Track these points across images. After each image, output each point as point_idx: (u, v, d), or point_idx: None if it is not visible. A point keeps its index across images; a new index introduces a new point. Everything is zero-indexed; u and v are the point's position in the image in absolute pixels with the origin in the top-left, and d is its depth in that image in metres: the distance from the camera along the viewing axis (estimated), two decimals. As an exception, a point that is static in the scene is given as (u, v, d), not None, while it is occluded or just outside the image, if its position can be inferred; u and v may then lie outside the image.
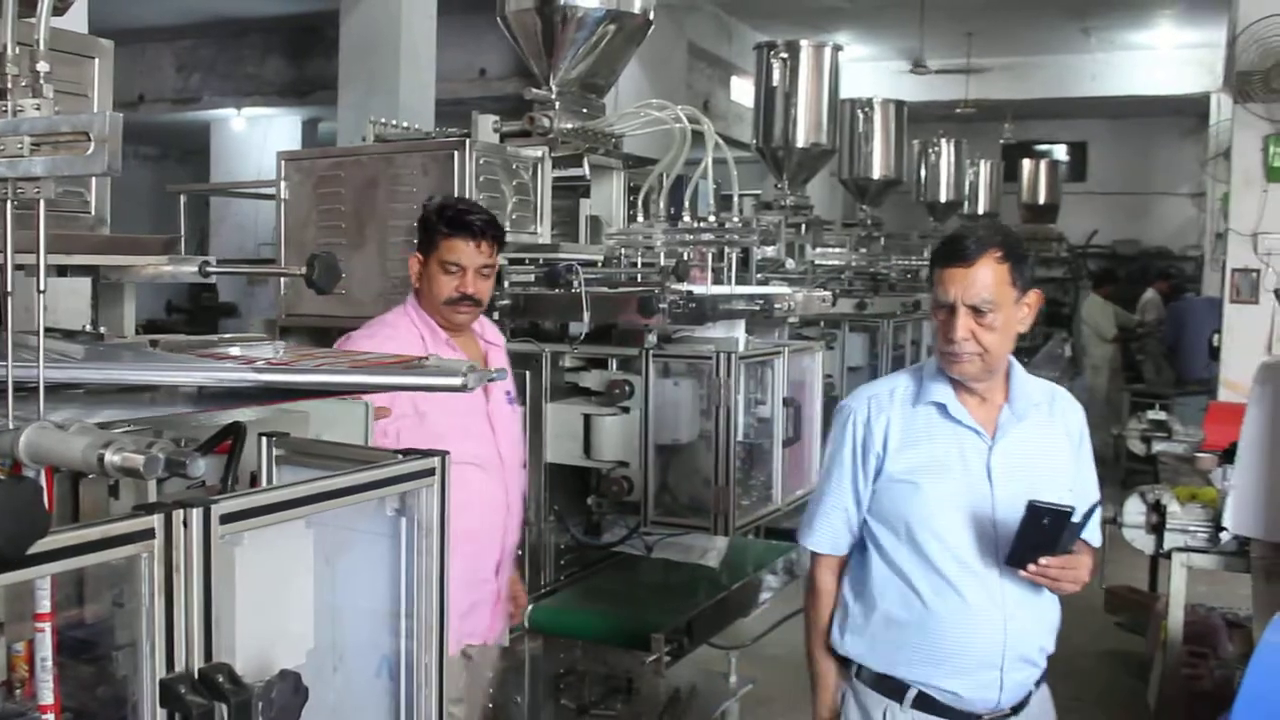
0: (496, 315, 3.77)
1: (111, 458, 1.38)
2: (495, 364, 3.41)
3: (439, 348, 3.24)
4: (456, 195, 3.79)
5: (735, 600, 4.22)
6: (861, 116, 9.85)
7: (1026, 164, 16.40)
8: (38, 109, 1.49)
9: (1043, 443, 2.77)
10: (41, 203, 1.50)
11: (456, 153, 3.84)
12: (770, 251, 6.87)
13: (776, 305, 4.48)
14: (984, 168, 13.76)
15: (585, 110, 4.49)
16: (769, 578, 4.47)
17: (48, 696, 1.53)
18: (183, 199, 4.90)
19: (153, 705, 1.47)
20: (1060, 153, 18.77)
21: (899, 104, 10.12)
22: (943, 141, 12.31)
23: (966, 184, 12.88)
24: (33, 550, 1.28)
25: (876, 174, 9.79)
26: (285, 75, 12.85)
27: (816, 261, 7.59)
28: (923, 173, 12.21)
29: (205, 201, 13.68)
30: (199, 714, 1.46)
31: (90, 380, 1.78)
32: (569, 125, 4.31)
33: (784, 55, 8.01)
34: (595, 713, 4.17)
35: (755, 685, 4.67)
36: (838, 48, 8.38)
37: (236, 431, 1.93)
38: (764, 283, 5.84)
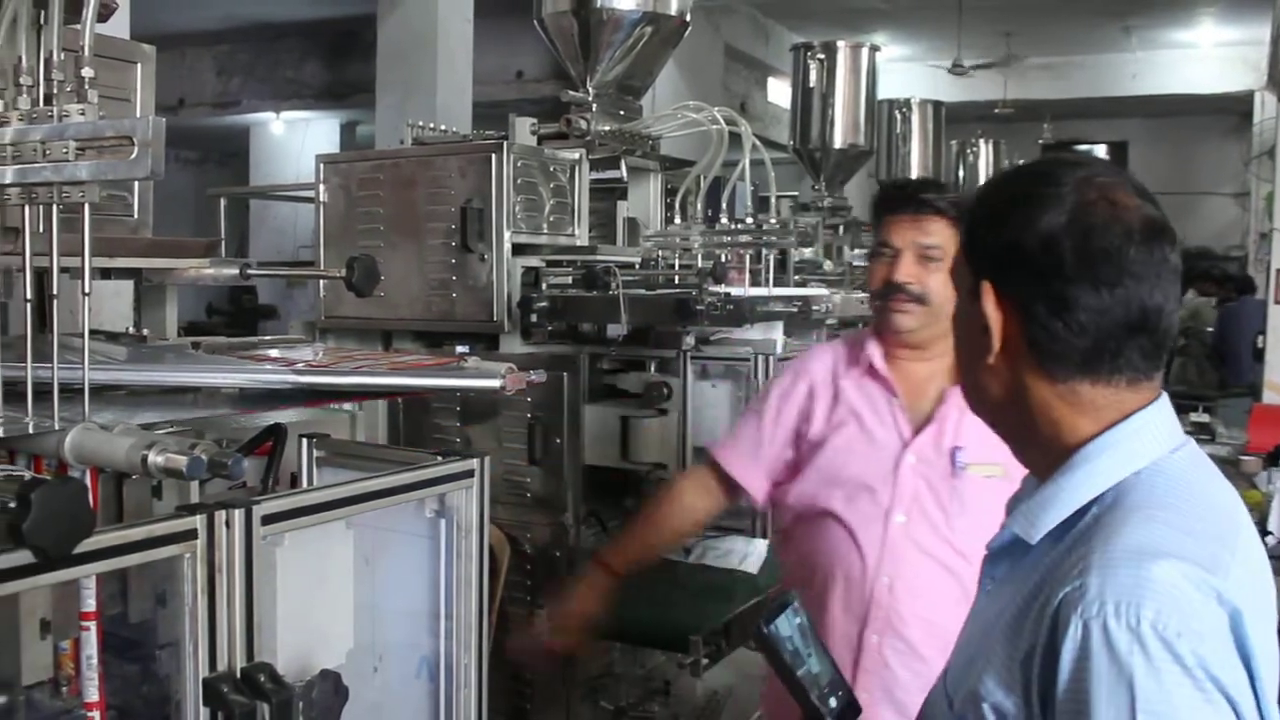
0: (535, 318, 3.77)
1: (155, 459, 1.39)
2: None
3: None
4: (495, 197, 3.80)
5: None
6: (899, 117, 9.81)
7: (1067, 163, 16.25)
8: (83, 114, 1.50)
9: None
10: (86, 206, 1.51)
11: (494, 155, 3.84)
12: (808, 253, 6.86)
13: (814, 307, 4.47)
14: (1023, 168, 13.65)
15: (622, 112, 4.49)
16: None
17: (93, 694, 1.55)
18: (223, 202, 4.95)
19: (196, 704, 1.48)
20: (1100, 152, 18.61)
21: (937, 104, 10.07)
22: (981, 142, 12.24)
23: (1006, 184, 12.78)
24: (78, 550, 1.29)
25: (914, 175, 9.72)
26: (323, 79, 12.94)
27: (854, 263, 7.56)
28: (961, 173, 12.14)
29: (245, 204, 13.79)
30: (241, 713, 1.47)
31: (134, 382, 1.80)
32: (606, 127, 4.31)
33: (821, 56, 8.00)
34: (632, 715, 4.17)
35: (793, 688, 4.65)
36: (875, 48, 8.36)
37: (277, 433, 1.94)
38: (802, 284, 5.82)
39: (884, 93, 8.79)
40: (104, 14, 1.67)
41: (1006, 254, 1.32)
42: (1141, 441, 1.31)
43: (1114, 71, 15.23)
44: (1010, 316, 1.33)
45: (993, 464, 2.40)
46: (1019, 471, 2.42)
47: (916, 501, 2.46)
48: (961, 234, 1.43)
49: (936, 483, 2.45)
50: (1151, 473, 1.29)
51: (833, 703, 1.66)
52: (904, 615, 2.45)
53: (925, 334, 2.50)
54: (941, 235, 2.44)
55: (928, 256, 2.45)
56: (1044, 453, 1.37)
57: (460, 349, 3.83)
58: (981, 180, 12.01)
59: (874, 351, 2.56)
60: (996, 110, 14.81)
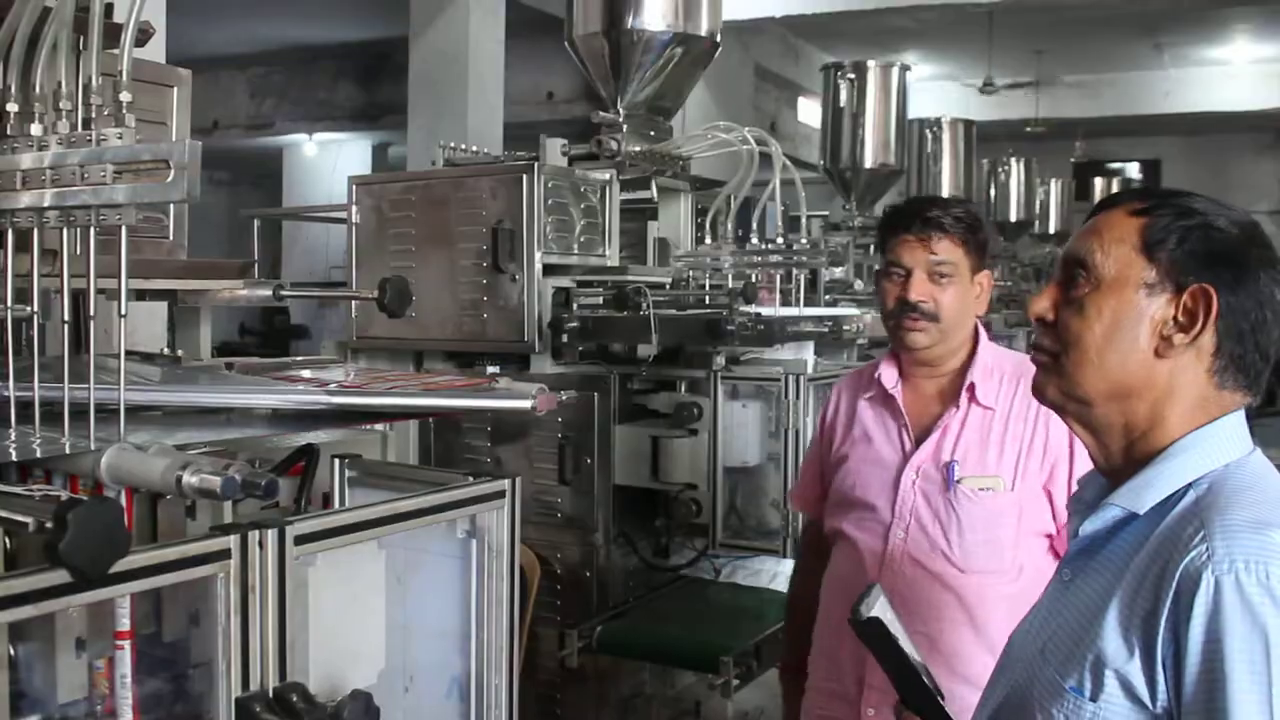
0: (565, 338, 3.78)
1: (189, 479, 1.40)
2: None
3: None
4: (526, 218, 3.82)
5: (804, 624, 4.18)
6: (930, 136, 9.78)
7: (1098, 183, 16.18)
8: (120, 138, 1.52)
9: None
10: (124, 229, 1.53)
11: (525, 176, 3.86)
12: (838, 273, 6.85)
13: (845, 327, 4.46)
14: (1054, 187, 13.58)
15: (653, 133, 4.50)
16: (838, 601, 4.43)
17: (127, 713, 1.56)
18: (256, 223, 4.99)
19: (229, 724, 1.49)
20: (1133, 170, 18.53)
21: (968, 123, 10.05)
22: (1012, 161, 12.18)
23: (1037, 203, 12.73)
24: (113, 570, 1.30)
25: (946, 194, 9.69)
26: (356, 100, 13.04)
27: (885, 282, 7.52)
28: (992, 192, 12.08)
29: (277, 225, 13.89)
30: (274, 733, 1.48)
31: (169, 403, 1.81)
32: (637, 148, 4.32)
33: (851, 76, 8.01)
34: (663, 735, 4.16)
35: (824, 710, 4.63)
36: (905, 68, 8.35)
37: (310, 454, 1.95)
38: (832, 304, 5.81)
39: (914, 112, 8.78)
40: (141, 39, 1.69)
41: (1234, 274, 1.42)
42: (1231, 440, 1.45)
43: (1147, 89, 15.17)
44: (1210, 324, 1.42)
45: (989, 476, 2.43)
46: (1024, 485, 2.41)
47: (914, 516, 2.47)
48: (1148, 227, 1.46)
49: (934, 497, 2.46)
50: (1237, 466, 1.43)
51: (932, 682, 1.66)
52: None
53: (938, 350, 2.52)
54: (950, 252, 2.47)
55: (939, 273, 2.47)
56: (1135, 442, 1.48)
57: (491, 369, 3.85)
58: (1013, 199, 11.98)
59: (885, 372, 2.59)
60: (1028, 129, 14.76)
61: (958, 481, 2.44)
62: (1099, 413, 1.49)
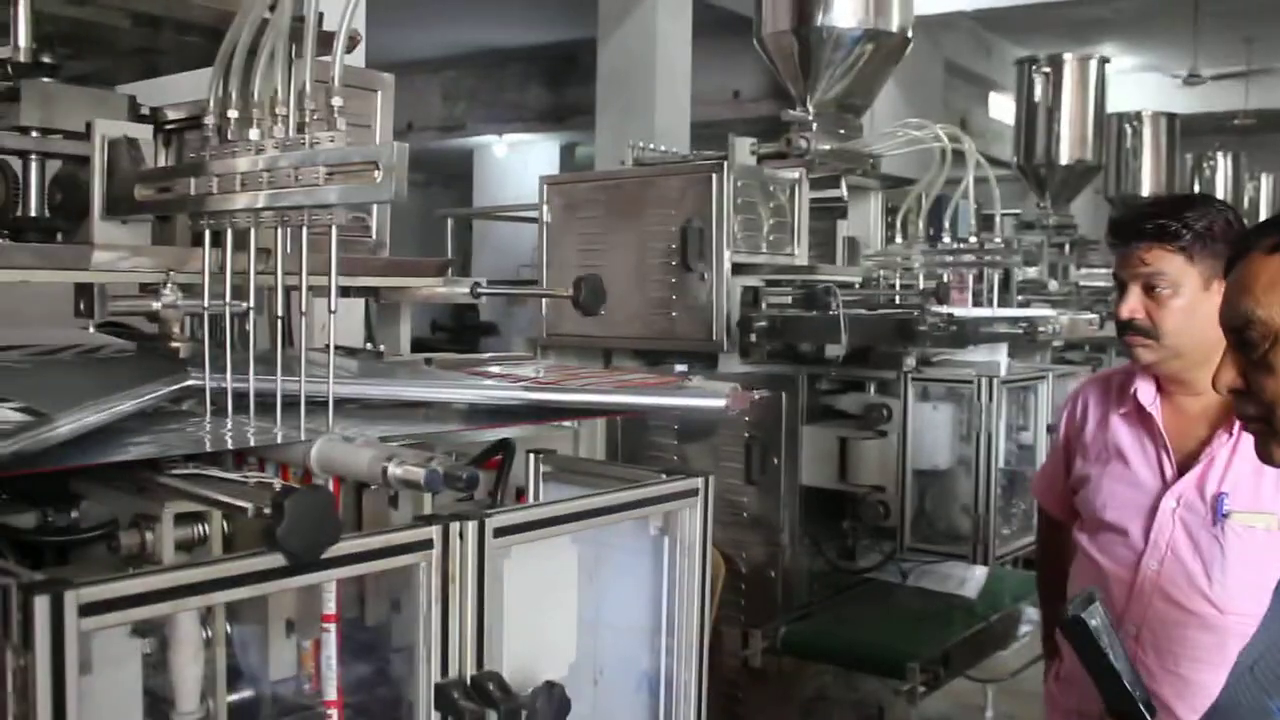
0: (754, 337, 3.77)
1: (394, 470, 1.44)
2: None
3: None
4: (715, 217, 3.82)
5: (994, 632, 4.08)
6: (1130, 131, 9.44)
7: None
8: (332, 141, 1.58)
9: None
10: (334, 228, 1.59)
11: (714, 175, 3.87)
12: (1032, 272, 6.67)
13: (1040, 329, 4.33)
14: (1265, 182, 12.94)
15: (842, 131, 4.46)
16: (1029, 610, 4.31)
17: (332, 693, 1.62)
18: (449, 222, 5.12)
19: (428, 708, 1.52)
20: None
21: (1170, 116, 9.65)
22: (1219, 155, 11.66)
23: (1246, 200, 12.15)
24: (324, 556, 1.35)
25: (1146, 191, 9.32)
26: (545, 102, 13.27)
27: (1081, 283, 7.30)
28: (1197, 189, 11.59)
29: (468, 225, 14.22)
30: (471, 720, 1.51)
31: (374, 396, 1.87)
32: (826, 146, 4.29)
33: (1046, 69, 7.80)
34: (845, 740, 4.12)
35: (1013, 721, 4.52)
36: (1104, 60, 8.10)
37: (506, 447, 1.99)
38: (1025, 305, 5.66)
39: (1113, 105, 8.47)
40: (350, 46, 1.76)
41: None
42: None
43: (1367, 78, 14.31)
44: None
45: (1263, 514, 2.24)
46: None
47: (1172, 549, 2.31)
48: None
49: (1196, 530, 2.29)
50: None
51: (1140, 693, 1.61)
52: (1152, 670, 2.28)
53: (1174, 366, 2.34)
54: (1165, 263, 2.27)
55: (1152, 286, 2.29)
56: None
57: (679, 368, 3.87)
58: (1219, 197, 11.43)
59: (1142, 388, 2.41)
60: (1236, 121, 14.06)
61: (1226, 515, 2.26)
62: None
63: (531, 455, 2.04)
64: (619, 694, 2.01)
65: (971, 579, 4.29)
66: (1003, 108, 12.88)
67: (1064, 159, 7.68)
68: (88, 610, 1.19)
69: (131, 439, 1.53)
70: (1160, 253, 2.28)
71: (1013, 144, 8.15)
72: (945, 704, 4.32)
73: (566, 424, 2.32)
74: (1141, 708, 1.59)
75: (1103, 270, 7.83)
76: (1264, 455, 1.46)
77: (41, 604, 1.15)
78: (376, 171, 1.49)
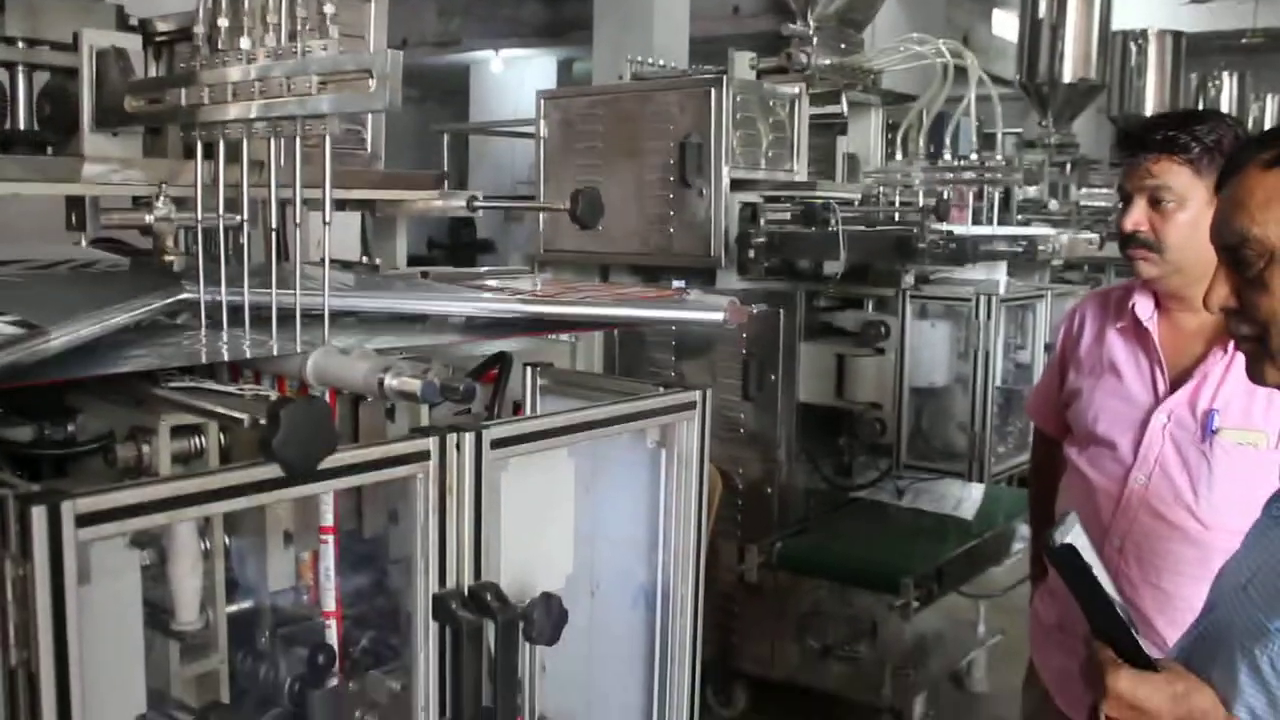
0: (752, 253, 3.75)
1: (391, 382, 1.44)
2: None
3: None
4: (714, 132, 3.78)
5: (987, 549, 4.12)
6: (1134, 49, 9.33)
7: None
8: (324, 49, 1.55)
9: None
10: (327, 139, 1.57)
11: (713, 90, 3.82)
12: (1033, 192, 6.63)
13: (1040, 247, 4.31)
14: (1271, 103, 12.80)
15: (843, 46, 4.40)
16: (1022, 527, 4.34)
17: (330, 604, 1.63)
18: (445, 138, 5.08)
19: (425, 618, 1.54)
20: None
21: (1176, 35, 9.54)
22: (1225, 75, 11.51)
23: (1251, 120, 12.03)
24: (320, 467, 1.35)
25: (1150, 110, 9.23)
26: (541, 16, 13.08)
27: (1082, 202, 7.26)
28: (1201, 109, 11.48)
29: (464, 141, 14.10)
30: (469, 629, 1.52)
31: (370, 309, 1.86)
32: (827, 61, 4.24)
33: (1051, -15, 7.68)
34: (839, 653, 4.17)
35: (1004, 637, 4.56)
36: (1110, -25, 7.96)
37: (503, 360, 1.99)
38: (1025, 224, 5.64)
39: (1118, 23, 8.35)
40: (343, -48, 1.72)
41: None
42: None
43: (1380, -5, 14.09)
44: None
45: (1252, 430, 2.23)
46: None
47: (1160, 464, 2.30)
48: None
49: (1185, 446, 2.28)
50: None
51: (1126, 616, 1.61)
52: (1133, 581, 2.31)
53: (1175, 282, 2.31)
54: (1172, 175, 2.23)
55: (1157, 199, 2.25)
56: None
57: (677, 283, 3.86)
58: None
59: (1140, 302, 2.39)
60: (1244, 40, 13.85)
61: (1215, 432, 2.25)
62: None
63: (529, 369, 2.04)
64: (615, 607, 2.03)
65: (967, 499, 4.33)
66: (1006, 24, 12.70)
67: (1067, 77, 7.59)
68: (85, 520, 1.19)
69: (128, 352, 1.52)
70: (1168, 165, 2.24)
71: (1015, 61, 8.05)
72: (938, 619, 4.36)
73: (564, 338, 2.31)
74: (1130, 630, 1.59)
75: (1104, 190, 7.80)
76: (1255, 375, 1.44)
77: (39, 514, 1.15)
78: (370, 80, 1.47)
